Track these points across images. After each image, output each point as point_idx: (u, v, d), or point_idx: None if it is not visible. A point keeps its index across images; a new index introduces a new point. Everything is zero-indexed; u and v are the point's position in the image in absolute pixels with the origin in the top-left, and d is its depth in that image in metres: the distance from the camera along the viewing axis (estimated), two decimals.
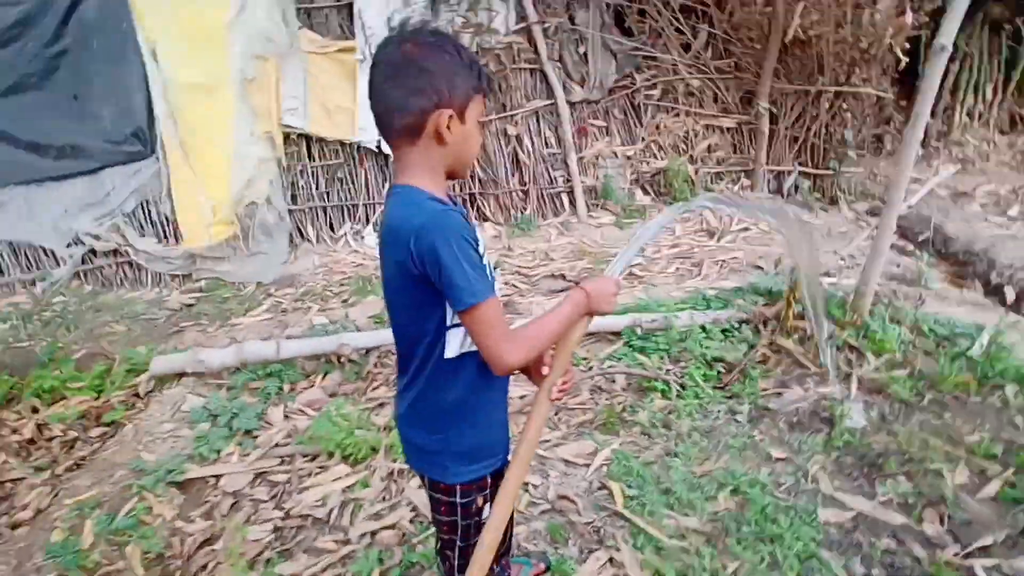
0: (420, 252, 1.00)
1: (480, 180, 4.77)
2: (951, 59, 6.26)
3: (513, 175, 4.86)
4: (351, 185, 4.70)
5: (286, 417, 2.56)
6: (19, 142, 4.02)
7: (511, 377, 1.26)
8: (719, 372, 2.79)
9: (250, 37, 4.15)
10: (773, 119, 5.02)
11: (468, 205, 4.82)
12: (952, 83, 6.40)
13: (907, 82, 5.84)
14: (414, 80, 1.01)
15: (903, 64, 4.76)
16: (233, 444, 2.35)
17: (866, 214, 5.08)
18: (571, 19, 4.91)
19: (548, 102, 4.84)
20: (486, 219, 4.82)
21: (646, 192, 5.05)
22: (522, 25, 4.73)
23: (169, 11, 4.07)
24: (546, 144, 4.90)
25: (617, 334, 3.08)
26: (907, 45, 4.62)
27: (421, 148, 1.06)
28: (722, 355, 2.86)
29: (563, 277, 3.87)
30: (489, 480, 1.24)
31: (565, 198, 4.93)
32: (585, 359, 3.00)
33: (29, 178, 4.05)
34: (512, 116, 4.78)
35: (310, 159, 4.61)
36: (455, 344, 1.11)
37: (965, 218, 4.88)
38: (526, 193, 4.86)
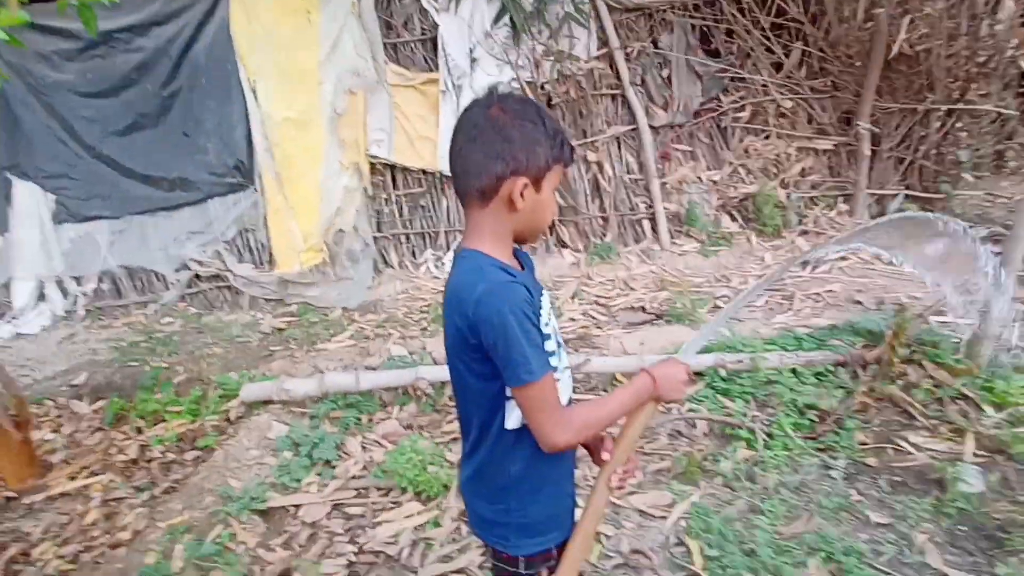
0: (478, 322, 0.99)
1: (559, 206, 4.75)
2: None
3: (593, 201, 4.80)
4: (433, 213, 4.82)
5: (364, 448, 2.62)
6: (137, 175, 4.43)
7: (578, 449, 1.22)
8: (811, 421, 2.58)
9: (340, 74, 4.37)
10: (875, 140, 4.68)
11: (548, 232, 4.80)
12: None
13: None
14: (494, 145, 1.01)
15: None
16: (313, 474, 2.43)
17: (985, 240, 4.60)
18: (654, 43, 4.82)
19: (630, 127, 4.76)
20: (564, 246, 4.78)
21: (733, 218, 4.83)
22: (604, 51, 4.70)
23: (268, 52, 4.37)
24: (628, 170, 4.81)
25: (700, 374, 2.93)
26: None
27: (491, 212, 1.06)
28: (815, 402, 2.65)
29: (643, 310, 3.76)
30: (555, 552, 1.18)
31: (647, 225, 4.80)
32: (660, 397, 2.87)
33: (144, 208, 4.45)
34: (593, 142, 4.73)
35: (395, 188, 4.78)
36: (516, 415, 1.07)
37: None
38: (606, 220, 4.79)
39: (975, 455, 2.36)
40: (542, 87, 4.62)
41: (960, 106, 4.39)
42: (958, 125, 4.49)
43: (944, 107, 4.40)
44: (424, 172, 4.73)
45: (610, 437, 1.22)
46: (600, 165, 4.71)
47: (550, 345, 1.08)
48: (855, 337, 3.04)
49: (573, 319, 3.74)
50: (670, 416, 2.70)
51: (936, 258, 1.35)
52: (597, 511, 1.18)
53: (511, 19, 4.42)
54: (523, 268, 1.14)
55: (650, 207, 4.73)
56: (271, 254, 4.53)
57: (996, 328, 2.72)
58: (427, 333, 3.70)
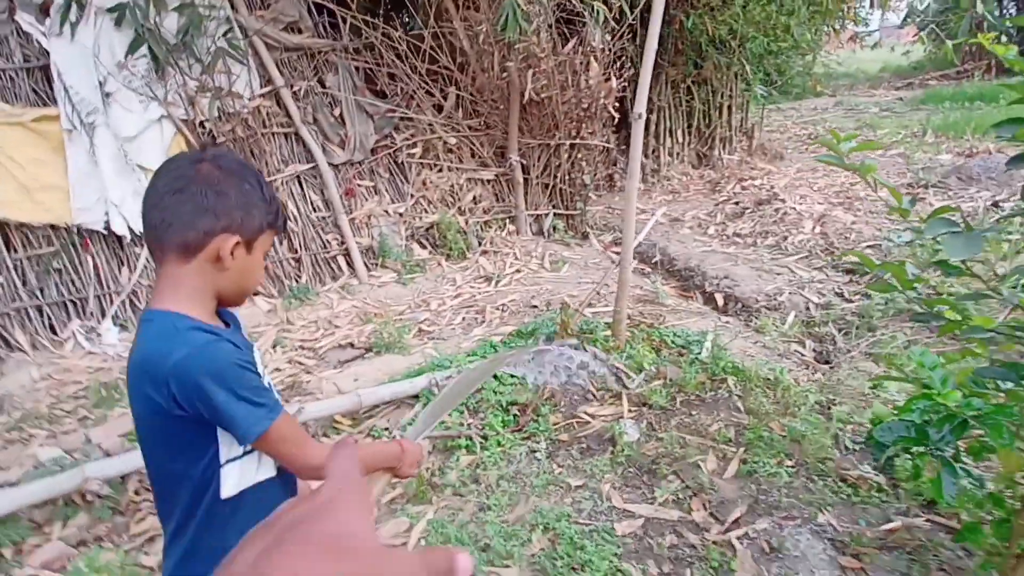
0: (184, 392, 0.90)
1: None
2: (651, 111, 7.71)
3: (281, 243, 4.58)
4: (74, 275, 3.95)
5: None
6: None
7: None
8: (515, 415, 2.93)
9: None
10: (525, 170, 5.57)
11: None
12: (654, 130, 7.86)
13: (628, 127, 7.01)
14: (206, 199, 0.95)
15: (616, 119, 5.70)
16: None
17: (612, 244, 5.89)
18: (321, 83, 4.87)
19: (309, 166, 4.70)
20: (257, 293, 4.44)
21: (423, 246, 5.16)
22: (268, 89, 4.54)
23: None
24: (313, 208, 4.73)
25: (416, 397, 3.06)
26: (616, 104, 5.53)
27: (193, 269, 0.97)
28: (515, 398, 3.02)
29: (351, 346, 3.73)
30: None
31: (342, 261, 4.79)
32: (387, 430, 2.91)
33: None
34: (271, 182, 4.51)
35: (10, 251, 3.77)
36: (232, 481, 0.99)
37: (681, 239, 5.96)
38: (299, 260, 4.61)
39: (629, 412, 3.01)
40: (202, 125, 4.23)
41: (578, 141, 5.55)
42: (579, 156, 5.67)
43: (567, 142, 5.51)
44: (54, 227, 3.85)
45: None
46: (283, 205, 4.52)
47: None
48: (537, 336, 3.56)
49: (279, 369, 3.50)
50: None
51: None
52: None
53: (150, 50, 3.94)
54: (228, 327, 1.07)
55: (342, 243, 4.74)
56: None
57: (625, 311, 3.53)
58: (90, 422, 3.02)
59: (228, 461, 0.98)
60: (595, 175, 6.19)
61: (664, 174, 7.89)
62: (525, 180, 5.57)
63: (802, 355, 3.60)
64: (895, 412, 2.30)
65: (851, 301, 4.10)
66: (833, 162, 1.83)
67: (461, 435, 2.73)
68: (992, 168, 5.93)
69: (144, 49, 3.95)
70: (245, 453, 1.00)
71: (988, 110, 8.90)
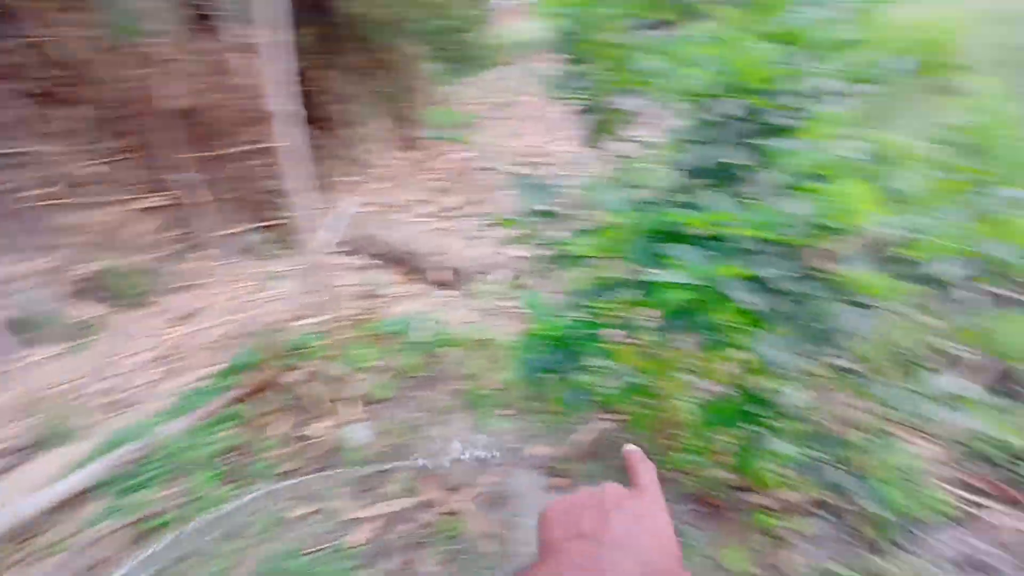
0: None
1: None
2: (346, 101, 7.51)
3: None
4: None
5: None
6: None
7: None
8: (228, 466, 2.63)
9: None
10: (202, 188, 4.97)
11: None
12: (357, 120, 7.70)
13: (315, 124, 6.71)
14: None
15: (306, 116, 5.39)
16: None
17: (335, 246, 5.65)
18: None
19: None
20: None
21: (93, 302, 4.30)
22: None
23: None
24: None
25: (104, 484, 2.54)
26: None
27: None
28: (229, 444, 2.71)
29: (5, 451, 2.95)
30: None
31: None
32: (74, 535, 2.37)
33: None
34: None
35: None
36: None
37: (398, 225, 6.00)
38: None
39: (363, 414, 2.92)
40: None
41: (249, 147, 5.11)
42: (259, 162, 5.23)
43: (233, 150, 5.04)
44: None
45: None
46: None
47: None
48: (245, 371, 3.23)
49: None
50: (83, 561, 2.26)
51: None
52: None
53: None
54: None
55: None
56: None
57: (336, 315, 3.41)
58: None
59: None
60: (289, 178, 5.83)
61: (372, 162, 7.84)
62: (206, 201, 4.99)
63: (511, 311, 3.91)
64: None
65: (552, 248, 4.57)
66: (442, 137, 1.91)
67: (159, 512, 2.35)
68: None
69: None
70: None
71: None
